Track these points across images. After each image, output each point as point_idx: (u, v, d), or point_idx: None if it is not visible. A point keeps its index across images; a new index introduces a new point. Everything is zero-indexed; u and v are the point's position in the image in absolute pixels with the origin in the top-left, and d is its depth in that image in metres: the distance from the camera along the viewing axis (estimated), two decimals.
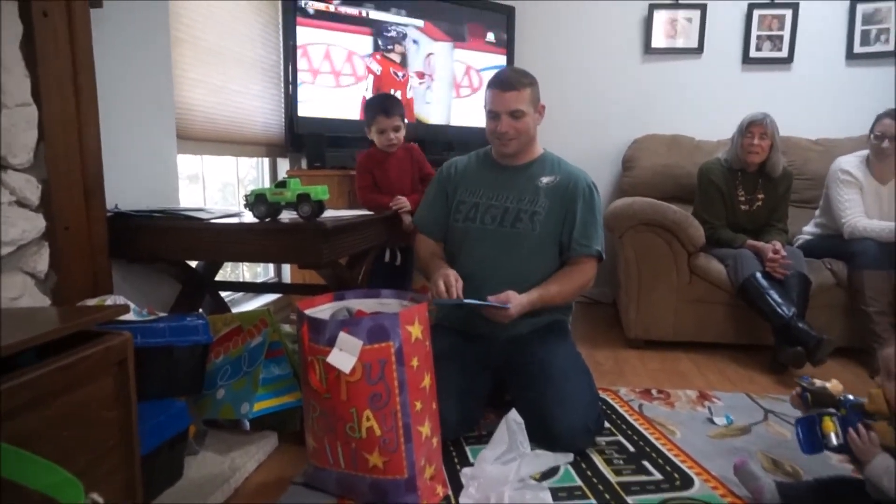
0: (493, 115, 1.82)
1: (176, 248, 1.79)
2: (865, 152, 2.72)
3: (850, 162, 2.72)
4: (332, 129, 3.09)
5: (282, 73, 3.11)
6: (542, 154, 1.94)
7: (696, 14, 3.52)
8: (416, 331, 1.42)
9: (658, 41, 3.58)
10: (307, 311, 1.48)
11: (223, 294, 2.37)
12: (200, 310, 2.04)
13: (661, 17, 3.55)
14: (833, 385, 1.36)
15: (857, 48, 3.45)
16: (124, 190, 1.87)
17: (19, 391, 0.96)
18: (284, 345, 1.79)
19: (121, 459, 1.22)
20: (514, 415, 1.51)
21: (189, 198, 2.65)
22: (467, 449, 1.71)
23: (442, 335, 1.82)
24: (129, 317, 1.49)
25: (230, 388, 1.70)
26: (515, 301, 1.70)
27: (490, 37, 3.52)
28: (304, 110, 3.01)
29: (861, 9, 3.41)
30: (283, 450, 1.72)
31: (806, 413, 1.38)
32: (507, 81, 1.80)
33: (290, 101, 3.04)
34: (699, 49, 3.56)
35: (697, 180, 2.88)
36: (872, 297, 2.47)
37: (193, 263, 2.11)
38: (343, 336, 1.35)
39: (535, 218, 1.82)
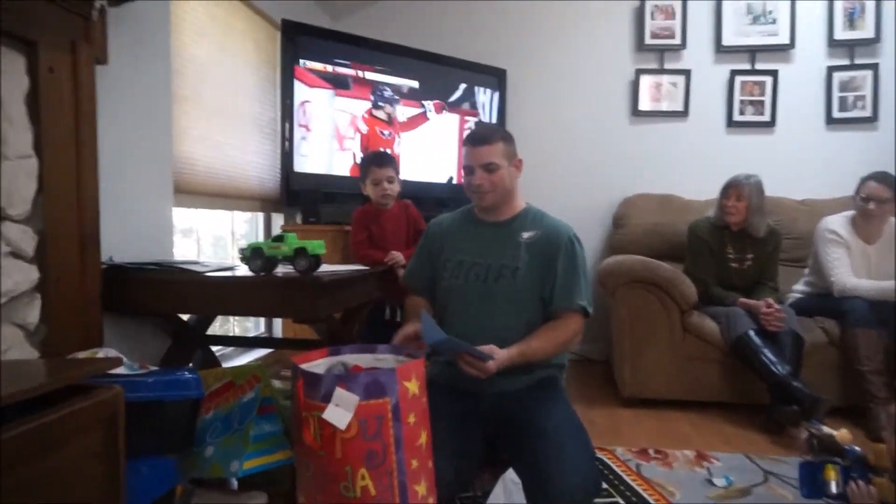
0: (468, 169, 1.84)
1: (170, 301, 1.77)
2: (851, 213, 2.79)
3: (836, 222, 2.78)
4: (326, 184, 3.13)
5: (279, 130, 3.16)
6: (525, 209, 1.92)
7: (681, 79, 3.66)
8: (413, 387, 1.39)
9: (644, 104, 3.70)
10: (302, 366, 1.46)
11: (214, 349, 2.33)
12: (191, 364, 2.01)
13: (646, 81, 3.69)
14: (841, 434, 1.35)
15: (836, 113, 3.59)
16: (119, 242, 1.87)
17: (4, 447, 0.93)
18: (276, 401, 1.76)
19: None
20: (511, 474, 1.48)
21: (182, 251, 2.65)
22: None
23: (434, 392, 1.79)
24: (121, 370, 1.46)
25: (220, 446, 1.65)
26: (497, 354, 1.67)
27: (481, 97, 3.62)
28: (299, 166, 3.05)
29: (837, 76, 3.57)
30: None
31: (810, 457, 1.37)
32: (480, 136, 1.84)
33: (287, 156, 3.09)
34: (685, 112, 3.69)
35: (688, 238, 2.93)
36: (866, 356, 2.47)
37: (185, 317, 2.09)
38: (339, 391, 1.31)
39: (516, 274, 1.80)
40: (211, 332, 2.28)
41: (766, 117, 3.64)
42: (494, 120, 3.67)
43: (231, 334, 2.99)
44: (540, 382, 1.85)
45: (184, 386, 1.51)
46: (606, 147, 3.75)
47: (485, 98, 3.63)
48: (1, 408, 0.97)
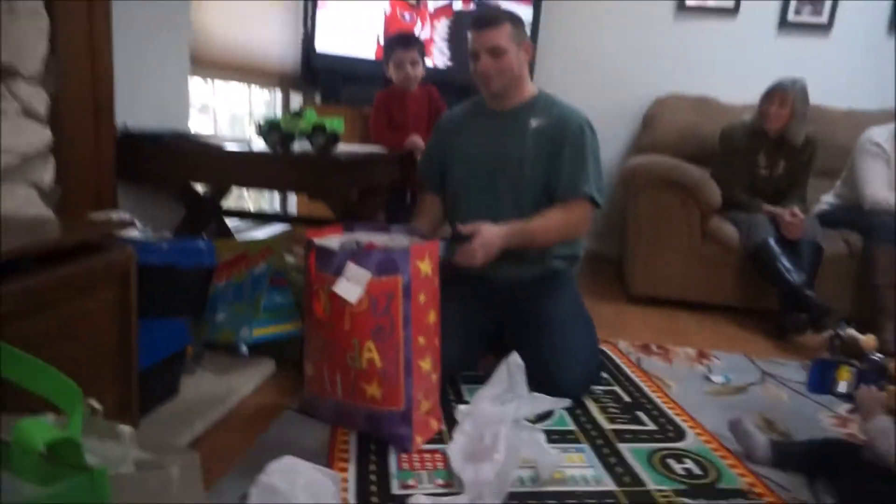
0: (473, 55, 1.74)
1: (185, 171, 1.78)
2: None
3: (881, 134, 2.64)
4: (348, 66, 3.03)
5: (301, 5, 3.02)
6: (536, 95, 1.82)
7: None
8: (425, 267, 1.41)
9: None
10: (316, 241, 1.46)
11: (228, 222, 2.36)
12: (205, 235, 2.04)
13: None
14: (866, 339, 1.35)
15: None
16: (134, 110, 1.84)
17: (20, 296, 0.96)
18: (288, 274, 1.79)
19: (119, 372, 1.23)
20: (515, 357, 1.51)
21: (199, 127, 2.62)
22: (464, 388, 1.72)
23: (447, 276, 1.81)
24: (134, 234, 1.49)
25: (231, 312, 1.71)
26: (487, 233, 1.61)
27: None
28: (321, 45, 2.94)
29: None
30: (281, 377, 1.74)
31: (829, 355, 1.38)
32: (483, 19, 1.72)
33: (308, 35, 2.96)
34: (735, 10, 3.42)
35: (719, 142, 2.81)
36: (884, 272, 2.43)
37: (200, 189, 2.10)
38: (351, 266, 1.33)
39: (522, 164, 1.74)
40: (226, 206, 2.30)
41: (824, 19, 3.36)
42: (530, 10, 3.45)
43: (246, 210, 3.02)
44: (552, 273, 1.85)
45: (197, 254, 1.54)
46: (647, 42, 3.52)
47: None
48: (18, 260, 0.99)
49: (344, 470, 1.29)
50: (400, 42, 2.29)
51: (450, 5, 3.24)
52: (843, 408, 1.64)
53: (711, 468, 1.39)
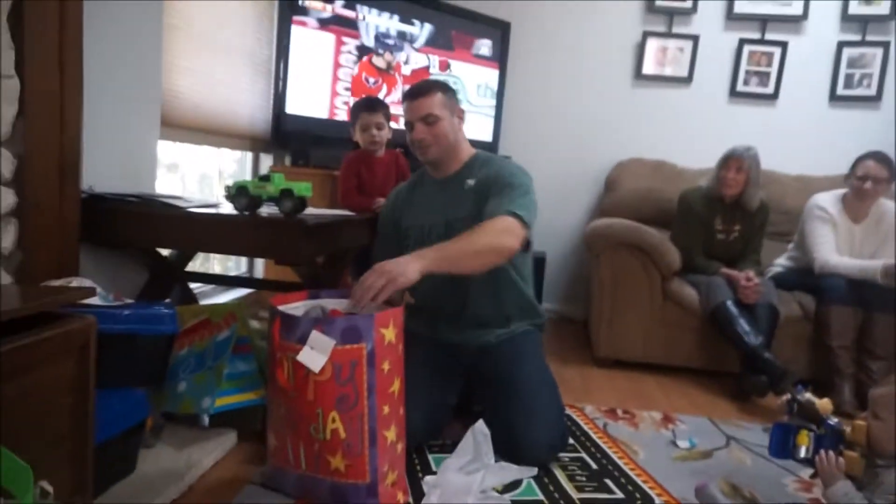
0: (409, 125, 1.81)
1: (150, 235, 1.76)
2: (842, 191, 2.78)
3: (827, 199, 2.78)
4: (318, 128, 3.08)
5: (272, 69, 3.08)
6: (473, 156, 1.87)
7: (689, 44, 3.58)
8: (389, 334, 1.41)
9: (649, 68, 3.63)
10: (280, 308, 1.46)
11: (192, 286, 2.33)
12: (168, 300, 2.01)
13: (653, 44, 3.61)
14: (822, 403, 1.38)
15: (841, 90, 3.54)
16: (101, 172, 1.84)
17: None
18: (253, 341, 1.77)
19: (74, 449, 1.19)
20: (480, 426, 1.51)
21: (166, 187, 2.62)
22: (430, 457, 1.70)
23: (414, 343, 1.81)
24: (95, 301, 1.46)
25: (192, 382, 1.67)
26: (392, 261, 1.46)
27: (483, 50, 3.54)
28: (291, 107, 2.99)
29: (847, 52, 3.50)
30: (242, 448, 1.69)
31: (786, 419, 1.41)
32: (416, 89, 1.81)
33: (279, 96, 3.02)
34: (689, 79, 3.62)
35: (678, 206, 2.92)
36: (838, 333, 2.51)
37: (165, 252, 2.08)
38: (315, 334, 1.32)
39: (464, 223, 1.71)
40: (191, 269, 2.27)
41: (770, 90, 3.58)
42: (496, 73, 3.60)
43: (211, 273, 2.99)
44: (517, 336, 1.87)
45: (159, 320, 1.51)
46: (606, 108, 3.69)
47: (485, 50, 3.55)
48: None
49: None
50: (365, 106, 2.35)
51: (426, 68, 3.36)
52: (807, 472, 1.66)
53: None
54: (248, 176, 3.23)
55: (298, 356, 1.32)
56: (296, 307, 1.54)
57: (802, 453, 1.36)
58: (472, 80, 3.54)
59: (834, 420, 1.36)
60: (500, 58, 3.61)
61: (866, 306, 2.55)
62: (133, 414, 1.42)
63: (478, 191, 1.77)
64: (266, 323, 1.70)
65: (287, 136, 3.04)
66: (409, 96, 1.81)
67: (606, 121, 3.70)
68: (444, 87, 1.82)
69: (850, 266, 2.60)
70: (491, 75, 3.60)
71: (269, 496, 1.44)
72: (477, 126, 3.52)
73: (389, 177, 2.42)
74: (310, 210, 1.91)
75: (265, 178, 1.74)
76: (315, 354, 1.31)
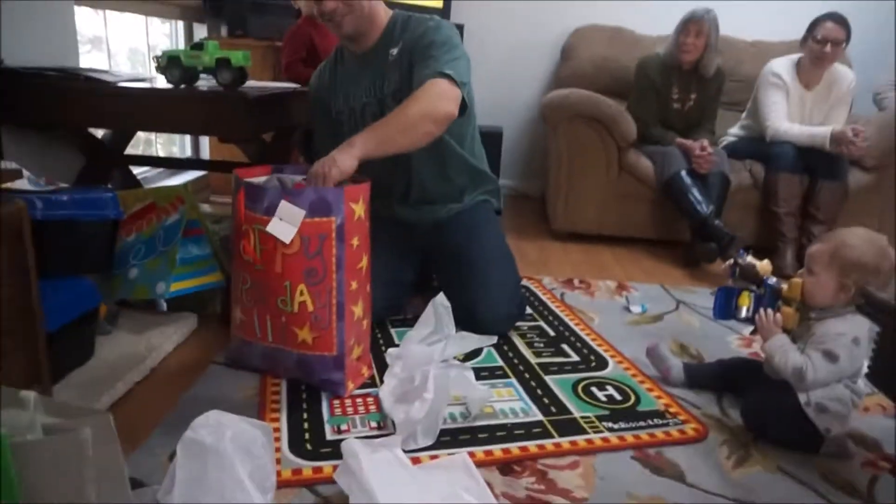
0: None
1: (75, 113, 1.61)
2: (797, 56, 2.75)
3: (782, 65, 2.75)
4: None
5: None
6: (392, 19, 1.68)
7: None
8: (359, 209, 1.37)
9: None
10: (245, 179, 1.38)
11: (135, 170, 2.20)
12: (109, 185, 1.90)
13: None
14: (762, 265, 1.43)
15: None
16: (12, 47, 1.64)
17: None
18: (204, 224, 1.70)
19: (24, 339, 1.15)
20: (441, 298, 1.52)
21: (92, 63, 2.39)
22: (392, 331, 1.73)
23: (375, 223, 1.78)
24: (24, 185, 1.36)
25: (144, 268, 1.62)
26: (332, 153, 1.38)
27: None
28: None
29: None
30: (203, 331, 1.68)
31: (730, 283, 1.47)
32: None
33: None
34: None
35: (635, 75, 2.85)
36: (784, 199, 2.59)
37: (99, 133, 1.93)
38: (284, 204, 1.27)
39: (396, 96, 1.60)
40: (131, 153, 2.13)
41: None
42: None
43: (155, 157, 2.83)
44: (471, 209, 1.84)
45: (100, 205, 1.43)
46: None
47: None
48: None
49: (276, 420, 1.28)
50: None
51: None
52: (748, 330, 1.77)
53: (631, 393, 1.47)
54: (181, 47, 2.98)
55: (268, 227, 1.27)
56: (259, 180, 1.46)
57: (743, 313, 1.43)
58: None
59: (773, 279, 1.42)
60: None
61: (812, 173, 2.62)
62: (83, 302, 1.37)
63: (402, 59, 1.61)
64: (218, 207, 1.63)
65: (221, 3, 2.78)
66: None
67: None
68: None
69: (800, 133, 2.63)
70: None
71: (234, 375, 1.45)
72: None
73: None
74: (251, 83, 1.78)
75: (198, 47, 1.59)
76: (284, 225, 1.27)
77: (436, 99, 1.47)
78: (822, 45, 2.59)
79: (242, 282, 1.39)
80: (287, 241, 1.27)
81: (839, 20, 2.59)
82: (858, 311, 0.98)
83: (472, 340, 1.62)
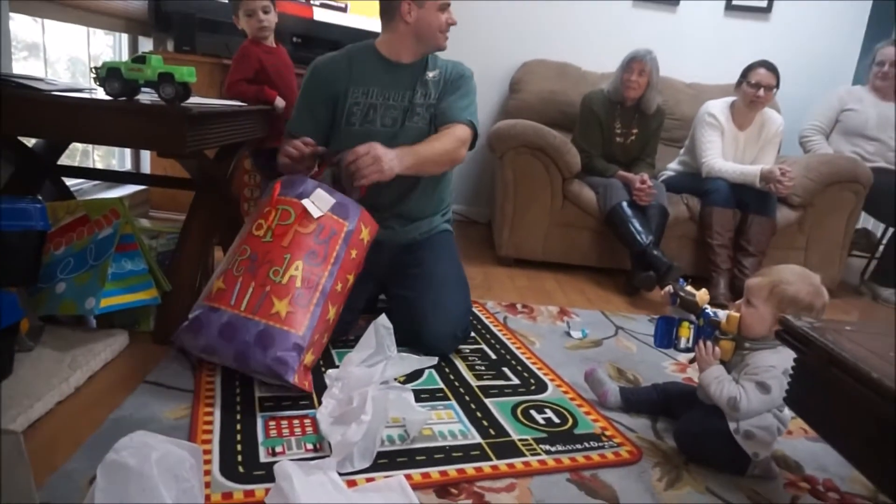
0: (445, 6, 1.78)
1: (5, 120, 1.54)
2: (731, 99, 2.91)
3: (717, 106, 2.90)
4: (205, 9, 2.78)
5: None
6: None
7: None
8: (365, 233, 1.59)
9: None
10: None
11: (69, 182, 2.11)
12: (39, 196, 1.81)
13: None
14: (701, 295, 1.48)
15: (735, 0, 3.62)
16: None
17: None
18: (139, 239, 1.65)
19: None
20: (382, 319, 1.51)
21: (28, 71, 2.31)
22: (334, 353, 1.70)
23: None
24: None
25: (72, 283, 1.55)
26: (381, 148, 1.59)
27: None
28: None
29: None
30: (134, 349, 1.61)
31: (671, 312, 1.52)
32: None
33: None
34: None
35: (580, 109, 2.95)
36: (718, 232, 2.71)
37: (31, 142, 1.86)
38: (319, 191, 1.52)
39: (429, 110, 1.81)
40: (66, 164, 2.05)
41: None
42: None
43: (91, 168, 2.73)
44: (441, 234, 1.93)
45: (26, 215, 1.37)
46: (512, 9, 3.58)
47: None
48: None
49: (207, 442, 1.23)
50: None
51: None
52: (684, 357, 1.84)
53: (569, 416, 1.49)
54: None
55: (303, 200, 1.49)
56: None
57: (683, 344, 1.49)
58: None
59: (710, 310, 1.47)
60: None
61: (744, 208, 2.76)
62: (3, 316, 1.30)
63: (438, 85, 1.84)
64: (156, 222, 1.63)
65: (169, 18, 2.74)
66: None
67: (513, 20, 3.60)
68: None
69: (732, 170, 2.77)
70: None
71: (165, 395, 1.39)
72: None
73: (291, 70, 2.23)
74: (195, 99, 1.75)
75: (140, 60, 1.55)
76: (315, 207, 1.50)
77: (459, 144, 1.77)
78: (755, 89, 2.76)
79: (241, 253, 1.49)
80: (316, 214, 1.49)
81: (770, 67, 2.77)
82: (776, 337, 1.03)
83: (412, 362, 1.61)
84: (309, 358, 1.43)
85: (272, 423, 1.32)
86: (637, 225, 2.58)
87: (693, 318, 1.49)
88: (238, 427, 1.30)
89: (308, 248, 1.45)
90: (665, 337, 1.51)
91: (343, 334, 1.79)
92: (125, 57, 2.89)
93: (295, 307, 1.40)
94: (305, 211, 1.49)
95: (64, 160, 2.00)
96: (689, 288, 1.52)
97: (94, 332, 1.61)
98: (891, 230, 3.12)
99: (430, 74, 1.83)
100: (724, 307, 2.45)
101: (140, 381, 1.44)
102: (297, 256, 1.44)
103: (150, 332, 1.68)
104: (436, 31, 1.78)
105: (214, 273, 1.55)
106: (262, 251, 1.45)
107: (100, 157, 2.94)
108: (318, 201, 1.51)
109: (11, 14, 1.90)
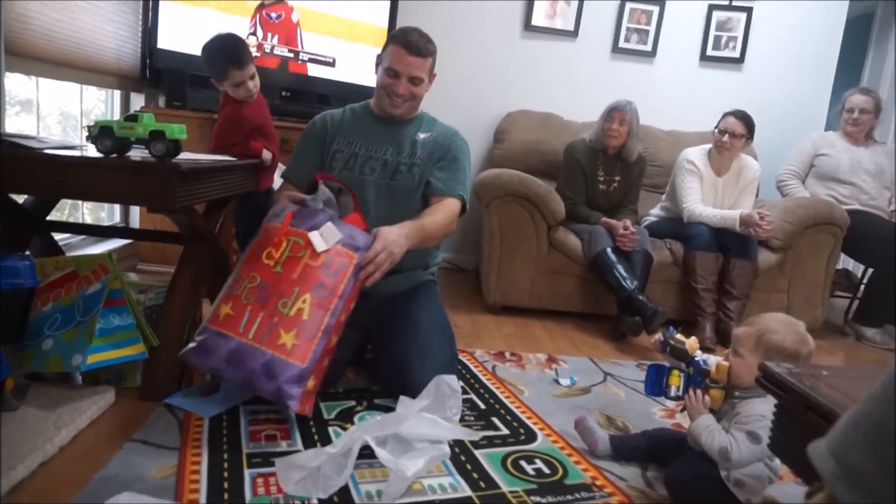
0: (393, 72, 1.81)
1: None
2: (708, 146, 3.00)
3: (695, 153, 2.99)
4: (195, 66, 2.84)
5: None
6: (420, 113, 1.97)
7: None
8: None
9: (538, 20, 3.67)
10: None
11: (58, 237, 2.12)
12: (28, 252, 1.82)
13: None
14: (690, 343, 1.50)
15: (710, 51, 3.77)
16: None
17: None
18: (127, 294, 1.65)
19: None
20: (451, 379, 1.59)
21: (20, 127, 2.34)
22: (322, 406, 1.69)
23: None
24: None
25: (59, 339, 1.54)
26: (389, 234, 1.61)
27: None
28: (164, 42, 2.75)
29: (716, 15, 3.72)
30: (121, 406, 1.59)
31: (662, 360, 1.54)
32: (416, 46, 1.80)
33: (150, 30, 2.76)
34: (575, 33, 3.71)
35: (563, 158, 3.03)
36: (701, 276, 2.75)
37: (21, 198, 1.87)
38: (329, 225, 1.53)
39: (413, 170, 1.84)
40: (55, 219, 2.06)
41: (649, 47, 3.75)
42: (386, 19, 3.48)
43: (80, 223, 2.74)
44: (423, 286, 1.95)
45: (14, 273, 1.38)
46: (496, 60, 3.71)
47: None
48: None
49: (194, 501, 1.21)
50: (234, 62, 2.01)
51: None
52: (673, 403, 1.85)
53: (559, 466, 1.49)
54: (116, 115, 2.95)
55: (310, 233, 1.51)
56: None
57: (673, 392, 1.50)
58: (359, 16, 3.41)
59: (700, 357, 1.50)
60: (390, 5, 3.49)
61: (726, 252, 2.82)
62: None
63: (431, 147, 1.87)
64: (145, 276, 1.64)
65: (160, 74, 2.80)
66: (406, 48, 1.79)
67: (497, 71, 3.72)
68: (435, 51, 1.87)
69: (713, 215, 2.84)
70: (381, 15, 3.48)
71: (153, 453, 1.37)
72: (369, 72, 3.42)
73: (268, 112, 2.23)
74: (186, 155, 1.78)
75: (132, 119, 1.59)
76: (322, 241, 1.52)
77: (453, 218, 1.84)
78: (722, 135, 2.86)
79: (250, 280, 1.50)
80: (319, 250, 1.50)
81: (740, 116, 2.88)
82: (758, 384, 1.05)
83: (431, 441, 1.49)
84: (311, 383, 1.47)
85: (260, 479, 1.31)
86: (622, 270, 2.62)
87: (683, 366, 1.50)
88: (225, 486, 1.28)
89: (317, 280, 1.48)
90: (655, 385, 1.53)
91: (331, 386, 1.78)
92: (116, 111, 2.95)
93: (301, 340, 1.44)
94: None
95: (53, 214, 2.02)
96: (678, 336, 1.55)
97: (80, 388, 1.60)
98: (870, 270, 3.19)
99: (421, 136, 1.89)
100: (710, 350, 2.47)
101: (126, 439, 1.42)
102: (306, 289, 1.47)
103: (137, 387, 1.66)
104: (381, 91, 1.86)
105: (220, 294, 1.57)
106: (273, 281, 1.48)
107: (89, 210, 2.95)
108: (327, 234, 1.53)
109: (7, 73, 1.94)
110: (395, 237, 1.61)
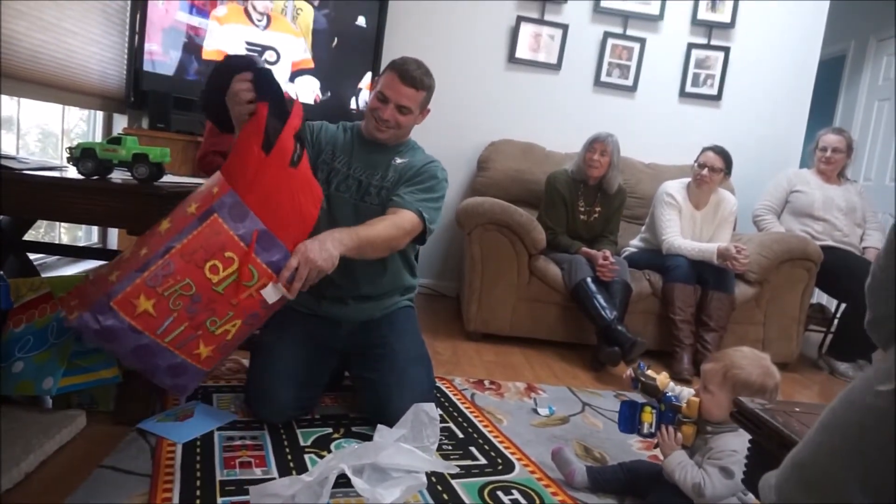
0: (382, 97, 1.81)
1: None
2: (687, 179, 3.06)
3: (674, 187, 3.05)
4: (180, 88, 2.86)
5: (128, 20, 2.82)
6: (406, 141, 1.96)
7: (559, 33, 3.74)
8: None
9: (522, 52, 3.75)
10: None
11: (33, 257, 2.10)
12: (1, 272, 1.79)
13: (527, 29, 3.72)
14: (661, 379, 1.52)
15: (689, 88, 3.87)
16: None
17: None
18: None
19: None
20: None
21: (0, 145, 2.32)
22: (298, 432, 1.67)
23: (295, 319, 1.78)
24: None
25: (31, 361, 1.51)
26: (308, 250, 1.49)
27: (360, 21, 3.47)
28: (150, 65, 2.76)
29: (695, 53, 3.83)
30: (92, 431, 1.56)
31: (635, 395, 1.55)
32: (411, 77, 1.79)
33: (136, 53, 2.77)
34: (558, 66, 3.79)
35: (545, 188, 3.07)
36: (680, 308, 2.78)
37: None
38: (279, 286, 1.47)
39: (381, 192, 1.82)
40: (31, 238, 2.04)
41: (630, 82, 3.84)
42: (371, 45, 3.53)
43: (58, 243, 2.71)
44: (399, 312, 1.91)
45: None
46: (481, 90, 3.77)
47: (362, 21, 3.48)
48: None
49: None
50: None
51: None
52: (637, 447, 1.84)
53: (536, 497, 1.48)
54: (98, 135, 2.94)
55: (263, 291, 1.46)
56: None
57: (646, 429, 1.52)
58: None
59: (671, 392, 1.51)
60: (375, 35, 3.54)
61: (704, 285, 2.85)
62: None
63: (403, 170, 1.84)
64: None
65: (144, 97, 2.80)
66: (400, 77, 1.78)
67: (481, 102, 3.78)
68: (432, 86, 1.87)
69: (691, 248, 2.88)
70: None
71: (123, 480, 1.35)
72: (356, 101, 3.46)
73: None
74: (169, 178, 1.79)
75: (115, 141, 1.59)
76: (275, 293, 1.48)
77: (401, 233, 1.72)
78: (700, 168, 2.93)
79: (183, 287, 1.38)
80: (270, 301, 1.48)
81: (718, 151, 2.95)
82: (732, 419, 1.06)
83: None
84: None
85: None
86: (601, 300, 2.64)
87: (655, 402, 1.52)
88: None
89: (253, 310, 1.48)
90: (628, 422, 1.54)
91: (307, 413, 1.77)
92: (99, 131, 2.94)
93: (217, 352, 1.48)
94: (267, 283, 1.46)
95: (28, 233, 2.00)
96: (649, 372, 1.56)
97: (50, 412, 1.56)
98: (843, 305, 3.25)
99: (398, 160, 1.86)
100: (688, 382, 2.49)
101: (96, 465, 1.39)
102: (239, 316, 1.47)
103: (110, 412, 1.63)
104: (368, 114, 1.85)
105: (136, 265, 1.36)
106: (209, 299, 1.40)
107: (65, 230, 2.92)
108: (275, 290, 1.47)
109: None
110: (317, 248, 1.49)
